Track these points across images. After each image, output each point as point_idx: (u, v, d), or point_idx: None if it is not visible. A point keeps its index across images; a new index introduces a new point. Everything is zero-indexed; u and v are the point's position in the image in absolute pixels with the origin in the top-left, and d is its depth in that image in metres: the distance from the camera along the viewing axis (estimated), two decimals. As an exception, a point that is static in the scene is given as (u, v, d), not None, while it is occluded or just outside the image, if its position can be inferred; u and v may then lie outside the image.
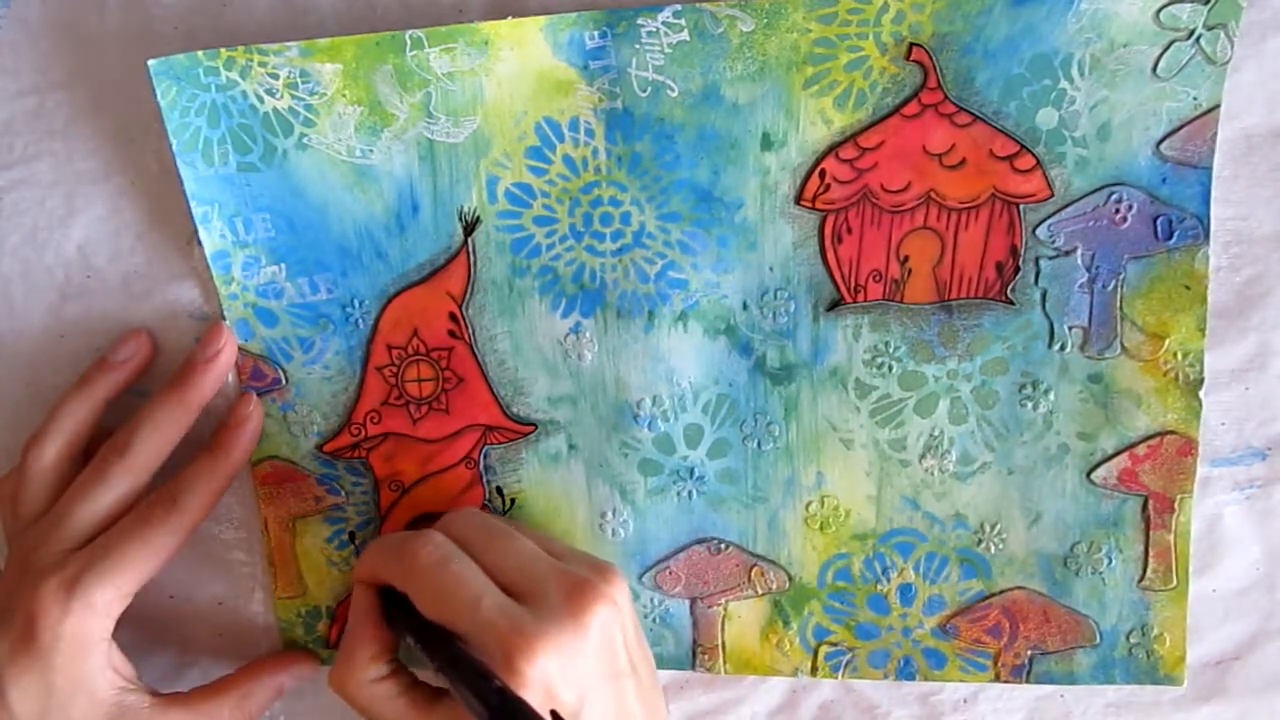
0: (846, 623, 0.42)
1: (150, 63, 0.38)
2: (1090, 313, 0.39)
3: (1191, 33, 0.36)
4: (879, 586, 0.42)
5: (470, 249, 0.40)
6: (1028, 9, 0.36)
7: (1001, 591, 0.41)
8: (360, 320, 0.41)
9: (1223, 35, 0.36)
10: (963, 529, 0.41)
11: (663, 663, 0.43)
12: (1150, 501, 0.40)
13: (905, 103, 0.38)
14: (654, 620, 0.43)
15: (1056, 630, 0.41)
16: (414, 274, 0.40)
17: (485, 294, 0.41)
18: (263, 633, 0.44)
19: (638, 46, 0.37)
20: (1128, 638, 0.41)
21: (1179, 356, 0.39)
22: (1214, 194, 0.37)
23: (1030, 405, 0.40)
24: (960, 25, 0.36)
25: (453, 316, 0.41)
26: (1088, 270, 0.38)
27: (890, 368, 0.40)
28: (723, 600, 0.43)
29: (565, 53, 0.38)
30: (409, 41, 0.38)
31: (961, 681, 0.42)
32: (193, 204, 0.40)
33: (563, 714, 0.33)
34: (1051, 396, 0.39)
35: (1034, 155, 0.38)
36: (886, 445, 0.41)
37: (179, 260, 0.41)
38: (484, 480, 0.42)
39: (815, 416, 0.41)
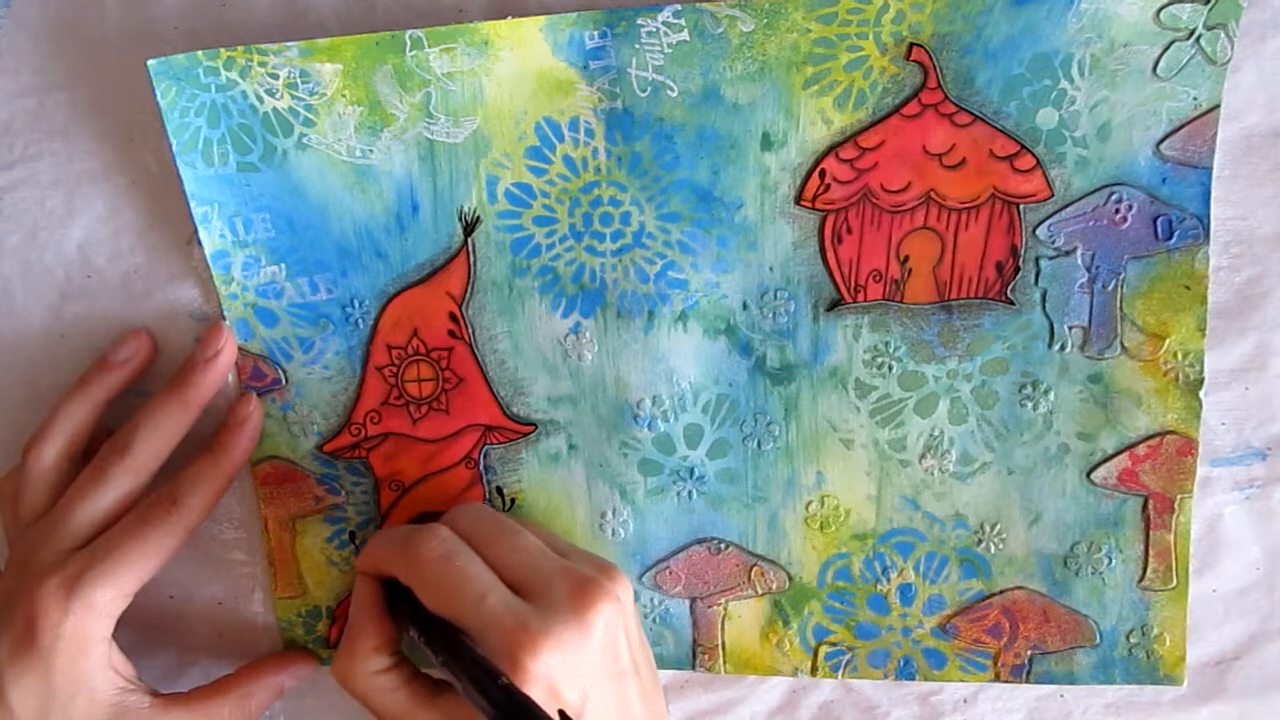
0: (846, 623, 0.42)
1: (150, 63, 0.38)
2: (1090, 313, 0.39)
3: (1191, 33, 0.36)
4: (879, 586, 0.42)
5: (470, 249, 0.40)
6: (1028, 9, 0.36)
7: (1001, 591, 0.41)
8: (360, 320, 0.41)
9: (1223, 35, 0.36)
10: (963, 529, 0.41)
11: (663, 663, 0.43)
12: (1150, 501, 0.40)
13: (905, 103, 0.38)
14: (654, 620, 0.43)
15: (1056, 630, 0.41)
16: (414, 274, 0.40)
17: (485, 294, 0.41)
18: (263, 633, 0.44)
19: (638, 46, 0.37)
20: (1128, 638, 0.41)
21: (1179, 356, 0.39)
22: (1214, 194, 0.37)
23: (1030, 405, 0.40)
24: (960, 25, 0.36)
25: (453, 316, 0.41)
26: (1088, 270, 0.38)
27: (890, 368, 0.40)
28: (723, 600, 0.43)
29: (565, 53, 0.38)
30: (409, 41, 0.38)
31: (961, 681, 0.42)
32: (193, 204, 0.40)
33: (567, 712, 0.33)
34: (1051, 396, 0.39)
35: (1034, 155, 0.38)
36: (886, 445, 0.41)
37: (179, 260, 0.41)
38: (484, 480, 0.42)
39: (815, 416, 0.41)
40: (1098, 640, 0.41)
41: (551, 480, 0.42)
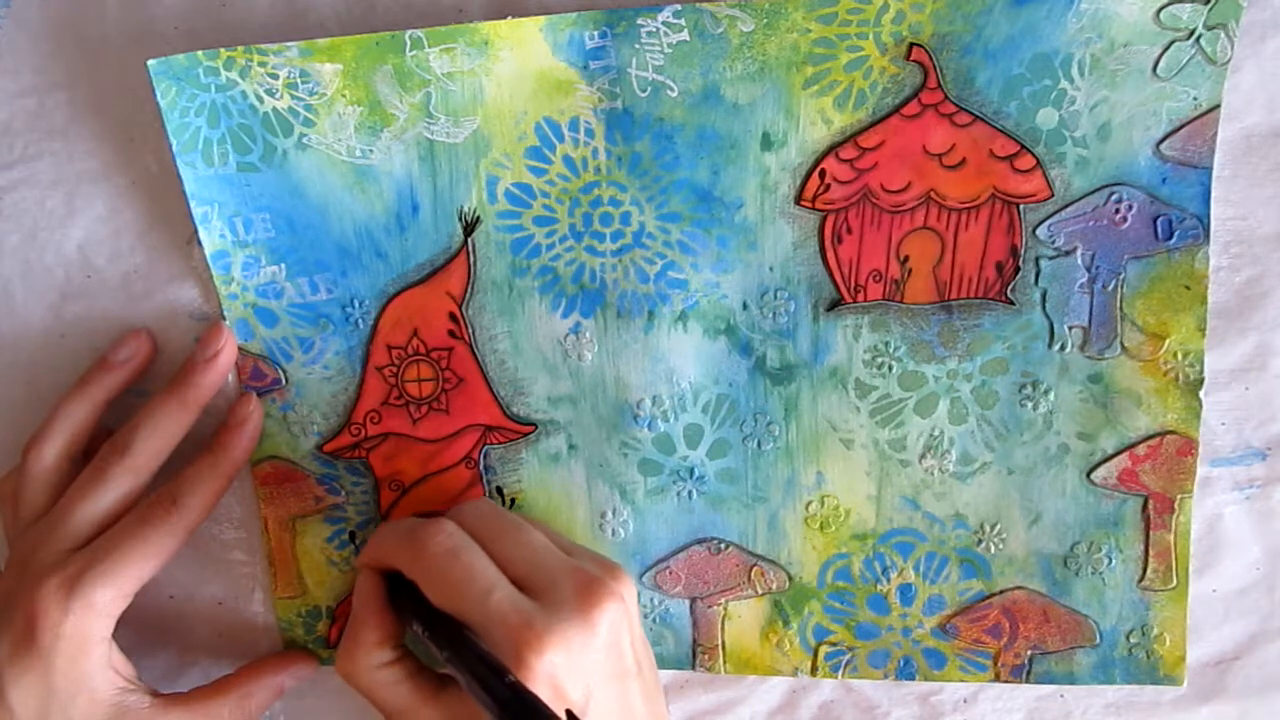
0: (846, 623, 0.42)
1: (150, 63, 0.38)
2: (1090, 313, 0.39)
3: (1191, 33, 0.36)
4: (879, 586, 0.42)
5: (470, 249, 0.40)
6: (1028, 9, 0.36)
7: (1001, 591, 0.41)
8: (360, 320, 0.41)
9: (1223, 35, 0.36)
10: (963, 529, 0.41)
11: (663, 663, 0.43)
12: (1150, 501, 0.40)
13: (905, 103, 0.37)
14: (654, 620, 0.43)
15: (1056, 630, 0.41)
16: (414, 274, 0.40)
17: (485, 294, 0.41)
18: (263, 633, 0.44)
19: (638, 46, 0.37)
20: (1128, 638, 0.41)
21: (1179, 356, 0.39)
22: (1214, 194, 0.37)
23: (1030, 405, 0.40)
24: (960, 25, 0.36)
25: (453, 316, 0.41)
26: (1088, 270, 0.38)
27: (890, 368, 0.40)
28: (723, 600, 0.43)
29: (565, 53, 0.38)
30: (409, 41, 0.38)
31: (961, 681, 0.42)
32: (193, 204, 0.40)
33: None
34: (1051, 396, 0.39)
35: (1034, 155, 0.38)
36: (886, 445, 0.41)
37: (179, 260, 0.41)
38: (484, 480, 0.42)
39: (815, 416, 0.41)
40: (1098, 640, 0.41)
41: (551, 480, 0.42)
